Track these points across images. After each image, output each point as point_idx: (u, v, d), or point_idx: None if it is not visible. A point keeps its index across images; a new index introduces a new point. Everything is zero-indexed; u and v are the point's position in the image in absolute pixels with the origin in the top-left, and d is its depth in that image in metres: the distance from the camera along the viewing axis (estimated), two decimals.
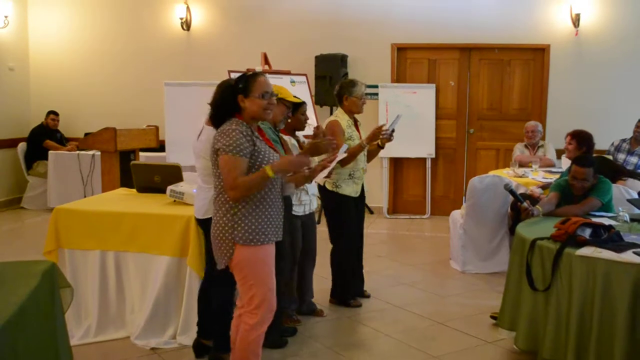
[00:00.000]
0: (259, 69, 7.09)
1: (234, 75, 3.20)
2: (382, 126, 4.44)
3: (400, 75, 8.35)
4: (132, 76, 8.82)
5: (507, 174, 6.04)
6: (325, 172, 3.34)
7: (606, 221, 3.71)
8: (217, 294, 3.53)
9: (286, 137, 3.87)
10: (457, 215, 5.88)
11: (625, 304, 2.97)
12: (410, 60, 8.35)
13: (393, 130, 4.50)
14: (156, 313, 3.88)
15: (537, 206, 4.12)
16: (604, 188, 4.21)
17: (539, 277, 3.38)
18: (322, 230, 4.60)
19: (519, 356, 3.76)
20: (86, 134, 7.33)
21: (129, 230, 3.92)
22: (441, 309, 4.70)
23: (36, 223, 7.69)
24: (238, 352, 3.02)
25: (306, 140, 4.12)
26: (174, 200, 4.14)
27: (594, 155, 5.02)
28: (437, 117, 8.23)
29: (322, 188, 4.49)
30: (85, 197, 7.05)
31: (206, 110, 3.14)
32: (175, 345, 3.85)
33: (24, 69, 9.05)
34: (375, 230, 7.41)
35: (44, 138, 8.47)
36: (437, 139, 8.25)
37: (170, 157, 6.50)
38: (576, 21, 7.70)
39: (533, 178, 5.91)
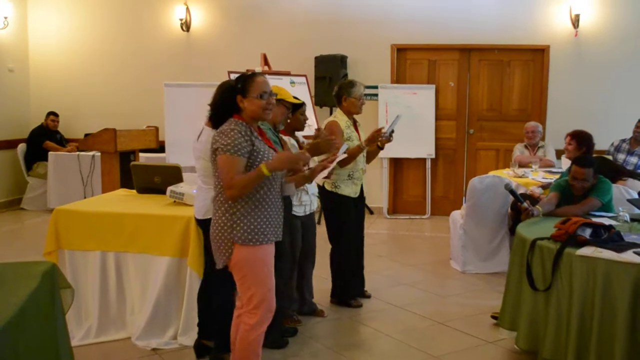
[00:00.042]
0: (258, 69, 7.09)
1: (233, 76, 3.21)
2: (381, 129, 4.43)
3: (400, 76, 8.36)
4: (131, 77, 8.82)
5: (507, 175, 6.04)
6: (325, 172, 3.34)
7: (606, 221, 3.71)
8: (217, 294, 3.53)
9: (286, 138, 3.88)
10: (457, 215, 5.88)
11: (625, 303, 2.97)
12: (410, 61, 8.36)
13: (393, 131, 4.50)
14: (157, 314, 3.88)
15: (537, 206, 4.12)
16: (604, 188, 4.21)
17: (540, 277, 3.38)
18: (322, 231, 4.60)
19: (519, 356, 3.76)
20: (86, 135, 7.33)
21: (129, 231, 3.92)
22: (441, 309, 4.70)
23: (36, 224, 7.69)
24: (238, 353, 3.02)
25: (306, 141, 4.13)
26: (174, 201, 4.14)
27: (594, 155, 5.02)
28: (437, 118, 8.23)
29: (321, 188, 4.49)
30: (85, 198, 7.06)
31: (206, 111, 3.14)
32: (176, 346, 3.85)
33: (24, 70, 9.05)
34: (376, 231, 7.41)
35: (43, 139, 8.47)
36: (437, 139, 8.25)
37: (170, 157, 6.49)
38: (576, 22, 7.71)
39: (533, 178, 5.91)
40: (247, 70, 3.06)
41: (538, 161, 6.49)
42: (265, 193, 2.92)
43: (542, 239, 3.43)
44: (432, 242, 7.01)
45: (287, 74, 7.60)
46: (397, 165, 8.46)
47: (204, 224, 3.46)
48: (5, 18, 8.51)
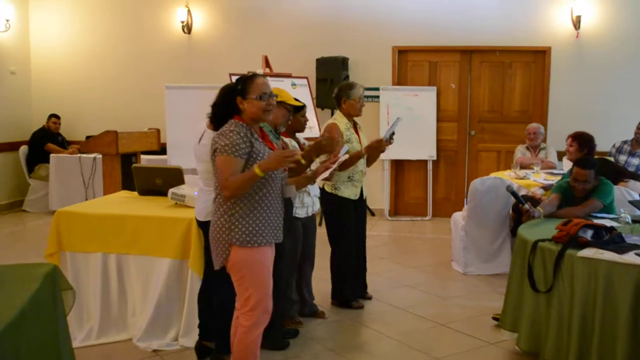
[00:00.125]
0: (260, 72, 7.10)
1: (235, 79, 3.22)
2: (381, 140, 4.41)
3: (401, 78, 8.36)
4: (133, 79, 8.83)
5: (508, 176, 6.03)
6: (327, 173, 3.34)
7: (608, 223, 3.71)
8: (217, 295, 3.54)
9: (287, 139, 3.88)
10: (458, 217, 5.88)
11: (627, 305, 2.97)
12: (411, 63, 8.36)
13: (393, 133, 4.50)
14: (158, 315, 3.88)
15: (538, 208, 4.12)
16: (605, 190, 4.21)
17: (541, 278, 3.38)
18: (323, 233, 4.60)
19: (521, 357, 3.76)
20: (87, 137, 7.34)
21: (131, 232, 3.92)
22: (443, 311, 4.70)
23: (38, 226, 7.70)
24: (236, 354, 3.03)
25: (307, 142, 4.13)
26: (176, 203, 4.15)
27: (595, 157, 5.03)
28: (438, 120, 8.23)
29: (321, 190, 4.49)
30: (86, 200, 7.06)
31: (207, 113, 3.15)
32: (177, 347, 3.86)
33: (26, 73, 9.06)
34: (377, 233, 7.41)
35: (45, 141, 8.48)
36: (438, 141, 8.25)
37: (171, 160, 6.51)
38: (577, 23, 7.71)
39: (534, 180, 5.90)
40: (249, 73, 3.06)
41: (539, 163, 6.49)
42: (265, 195, 2.92)
43: (543, 240, 3.43)
44: (433, 243, 7.00)
45: (289, 76, 7.61)
46: (399, 167, 8.46)
47: (205, 226, 3.46)
48: (7, 21, 8.53)
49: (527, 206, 4.10)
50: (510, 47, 8.00)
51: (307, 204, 4.16)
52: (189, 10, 8.59)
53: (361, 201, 4.63)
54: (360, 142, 4.53)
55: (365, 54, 8.21)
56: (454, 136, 8.34)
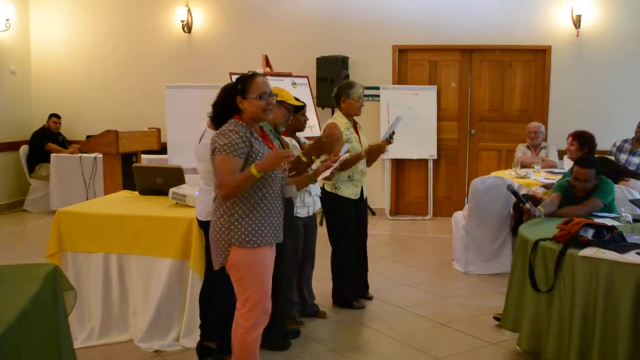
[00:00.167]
0: (260, 71, 7.09)
1: (235, 78, 3.22)
2: (382, 145, 4.41)
3: (401, 77, 8.35)
4: (133, 79, 8.83)
5: (509, 175, 6.03)
6: (328, 172, 3.34)
7: (609, 222, 3.71)
8: (221, 295, 3.53)
9: (287, 139, 3.87)
10: (459, 216, 5.87)
11: (628, 304, 2.97)
12: (411, 62, 8.36)
13: (393, 133, 4.50)
14: (159, 315, 3.88)
15: (539, 207, 4.12)
16: (606, 189, 4.21)
17: (542, 278, 3.38)
18: (323, 232, 4.60)
19: (522, 357, 3.76)
20: (88, 137, 7.34)
21: (132, 232, 3.92)
22: (444, 310, 4.70)
23: (38, 226, 7.70)
24: (236, 355, 3.02)
25: (307, 142, 4.13)
26: (176, 203, 4.14)
27: (596, 156, 5.02)
28: (439, 119, 8.23)
29: (321, 190, 4.49)
30: (87, 199, 7.06)
31: (208, 113, 3.15)
32: (179, 348, 3.86)
33: (26, 72, 9.06)
34: (378, 232, 7.41)
35: (46, 141, 8.48)
36: (438, 140, 8.25)
37: (172, 159, 6.50)
38: (577, 22, 7.70)
39: (535, 179, 5.90)
40: (249, 72, 3.05)
41: (540, 162, 6.49)
42: (264, 195, 2.92)
43: (544, 239, 3.43)
44: (434, 243, 7.00)
45: (289, 75, 7.61)
46: (399, 166, 8.45)
47: (206, 226, 3.45)
48: (7, 20, 8.53)
49: (527, 205, 4.10)
50: (510, 46, 7.99)
51: (308, 203, 4.16)
52: (189, 10, 8.58)
53: (361, 201, 4.62)
54: (360, 141, 4.53)
55: (366, 53, 8.21)
56: (454, 135, 8.33)
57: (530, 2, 7.88)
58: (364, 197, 4.64)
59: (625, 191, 4.90)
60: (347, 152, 3.58)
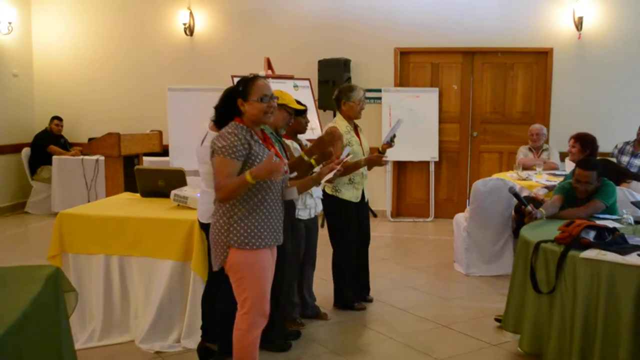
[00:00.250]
0: (262, 74, 7.10)
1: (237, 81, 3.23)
2: (381, 156, 4.41)
3: (403, 80, 8.36)
4: (135, 81, 8.84)
5: (510, 177, 6.03)
6: (331, 174, 3.33)
7: (610, 224, 3.70)
8: (220, 297, 3.53)
9: (288, 141, 3.88)
10: (460, 218, 5.87)
11: (629, 306, 2.96)
12: (413, 65, 8.36)
13: (394, 136, 4.50)
14: (160, 317, 3.88)
15: (540, 209, 4.12)
16: (608, 190, 4.21)
17: (543, 279, 3.37)
18: (323, 234, 4.60)
19: (523, 359, 3.75)
20: (90, 139, 7.34)
21: (133, 234, 3.92)
22: (445, 312, 4.69)
23: (40, 228, 7.71)
24: (236, 356, 3.02)
25: (309, 144, 4.13)
26: (178, 205, 4.15)
27: (598, 157, 5.02)
28: (441, 121, 8.24)
29: (322, 192, 4.49)
30: (89, 201, 7.07)
31: (209, 115, 3.15)
32: (180, 349, 3.86)
33: (28, 75, 9.08)
34: (379, 234, 7.40)
35: (48, 143, 8.49)
36: (440, 142, 8.25)
37: (173, 161, 6.51)
38: (579, 24, 7.70)
39: (537, 181, 5.90)
40: (250, 74, 3.06)
41: (542, 164, 6.49)
42: (264, 197, 2.91)
43: (546, 241, 3.43)
44: (435, 244, 7.00)
45: (291, 77, 7.62)
46: (401, 168, 8.46)
47: (207, 228, 3.46)
48: (10, 23, 8.55)
49: (529, 207, 4.10)
50: (512, 48, 8.00)
51: (310, 205, 4.16)
52: (191, 13, 8.60)
53: (363, 204, 4.62)
54: (361, 144, 4.53)
55: (367, 56, 8.22)
56: (456, 137, 8.34)
57: (532, 4, 7.88)
58: (365, 199, 4.64)
59: (626, 193, 4.89)
60: (348, 155, 3.58)
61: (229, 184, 2.80)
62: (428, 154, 8.21)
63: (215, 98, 3.13)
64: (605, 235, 3.36)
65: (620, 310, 3.00)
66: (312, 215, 4.22)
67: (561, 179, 5.28)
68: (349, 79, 7.90)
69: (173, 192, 4.17)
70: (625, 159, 6.51)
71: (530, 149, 7.01)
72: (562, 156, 6.85)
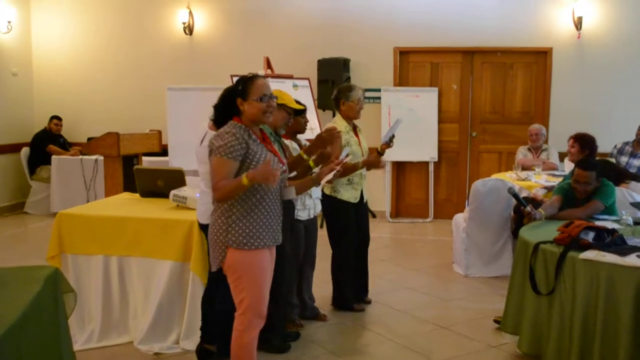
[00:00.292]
0: (261, 73, 7.09)
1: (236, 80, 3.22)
2: (380, 160, 4.41)
3: (402, 79, 8.35)
4: (134, 81, 8.83)
5: (510, 178, 6.03)
6: (331, 175, 3.33)
7: (609, 224, 3.70)
8: (219, 297, 3.53)
9: (287, 141, 3.87)
10: (460, 218, 5.87)
11: (629, 307, 2.96)
12: (412, 64, 8.36)
13: (393, 136, 4.49)
14: (159, 318, 3.88)
15: (540, 209, 4.11)
16: (607, 191, 4.21)
17: (543, 280, 3.37)
18: (324, 235, 4.60)
19: None
20: (89, 139, 7.33)
21: (132, 234, 3.92)
22: (444, 313, 4.69)
23: (39, 228, 7.70)
24: (233, 357, 3.02)
25: (308, 144, 4.12)
26: (177, 205, 4.15)
27: (597, 158, 5.02)
28: (440, 121, 8.24)
29: (321, 193, 4.48)
30: (88, 201, 7.06)
31: (209, 114, 3.15)
32: (179, 350, 3.85)
33: (27, 75, 9.07)
34: (378, 234, 7.39)
35: (47, 143, 8.48)
36: (439, 142, 8.25)
37: (173, 161, 6.51)
38: (578, 24, 7.70)
39: (536, 181, 5.90)
40: (249, 74, 3.06)
41: (541, 164, 6.49)
42: (262, 197, 2.90)
43: (545, 242, 3.43)
44: (434, 245, 7.00)
45: (290, 77, 7.61)
46: (400, 168, 8.45)
47: (207, 229, 3.45)
48: (9, 22, 8.54)
49: (528, 208, 4.10)
50: (511, 48, 8.00)
51: (309, 206, 4.16)
52: (190, 12, 8.59)
53: (362, 204, 4.61)
54: (360, 144, 4.52)
55: (367, 55, 8.21)
56: (455, 137, 8.33)
57: (532, 4, 7.88)
58: (364, 200, 4.64)
59: (626, 194, 4.90)
60: (347, 155, 3.58)
61: (226, 186, 2.80)
62: (427, 154, 8.21)
63: (214, 97, 3.13)
64: (605, 236, 3.36)
65: (620, 312, 3.00)
66: (312, 216, 4.22)
67: (560, 179, 5.27)
68: (349, 78, 7.89)
69: (172, 192, 4.17)
70: (624, 159, 6.51)
71: (529, 149, 7.01)
72: (562, 156, 6.84)
